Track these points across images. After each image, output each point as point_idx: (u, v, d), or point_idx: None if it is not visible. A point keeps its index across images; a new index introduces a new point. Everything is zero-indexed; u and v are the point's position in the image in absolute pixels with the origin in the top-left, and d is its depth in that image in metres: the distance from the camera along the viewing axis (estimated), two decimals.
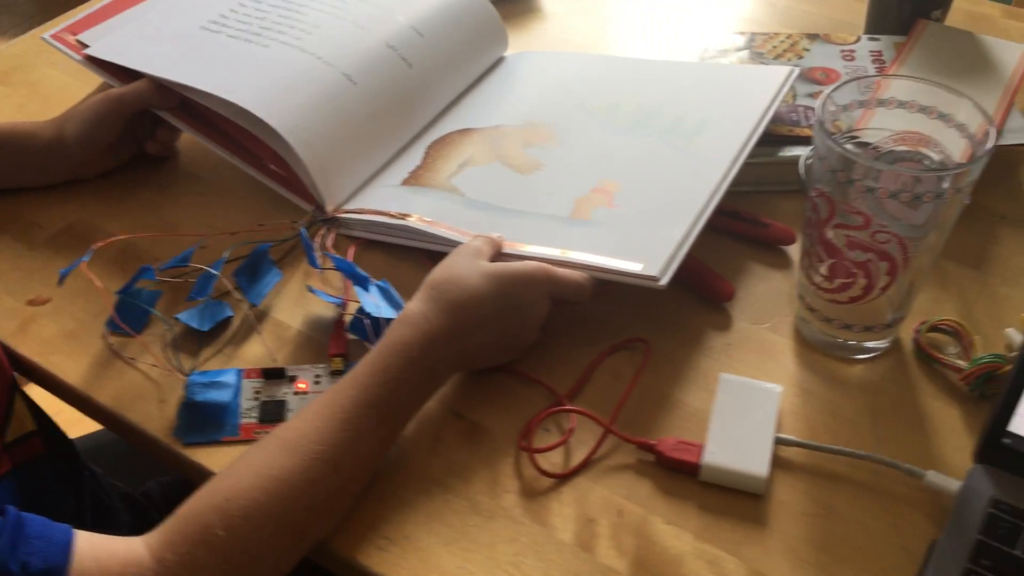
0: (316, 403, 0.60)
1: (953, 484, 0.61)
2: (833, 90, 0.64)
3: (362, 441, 0.60)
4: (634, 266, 0.69)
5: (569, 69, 0.95)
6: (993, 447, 0.62)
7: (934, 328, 0.72)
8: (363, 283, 0.70)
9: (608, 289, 0.71)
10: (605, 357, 0.71)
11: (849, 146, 0.62)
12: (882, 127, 0.70)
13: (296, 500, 0.56)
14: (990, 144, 0.60)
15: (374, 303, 0.69)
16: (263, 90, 0.80)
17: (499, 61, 1.00)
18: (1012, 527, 0.58)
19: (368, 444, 0.60)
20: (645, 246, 0.70)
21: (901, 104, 0.65)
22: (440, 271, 0.66)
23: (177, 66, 0.83)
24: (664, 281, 0.68)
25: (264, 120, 0.77)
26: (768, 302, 0.76)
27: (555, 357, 0.71)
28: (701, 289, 0.76)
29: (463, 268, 0.66)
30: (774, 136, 0.84)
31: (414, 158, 0.86)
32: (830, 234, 0.64)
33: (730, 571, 0.58)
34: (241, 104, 0.78)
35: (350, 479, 0.60)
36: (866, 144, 0.77)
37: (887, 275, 0.65)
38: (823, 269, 0.66)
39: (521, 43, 1.04)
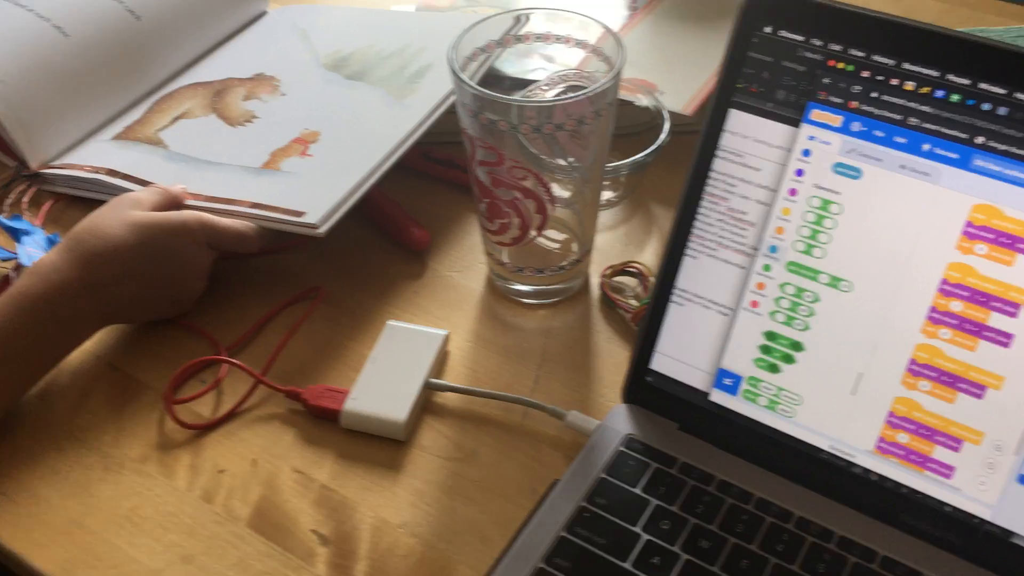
0: None
1: (591, 423, 0.60)
2: (467, 31, 0.62)
3: None
4: (294, 214, 0.67)
5: (320, 22, 0.93)
6: (637, 385, 0.60)
7: (624, 272, 0.71)
8: (16, 234, 0.68)
9: (300, 243, 0.69)
10: (282, 308, 0.69)
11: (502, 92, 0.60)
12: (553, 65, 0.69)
13: None
14: (619, 66, 0.58)
15: (29, 254, 0.67)
16: None
17: (260, 16, 0.97)
18: (639, 465, 0.57)
19: None
20: (316, 194, 0.68)
21: (539, 37, 0.63)
22: (84, 221, 0.64)
23: None
24: (323, 229, 0.66)
25: None
26: (466, 249, 0.74)
27: (232, 309, 0.69)
28: (397, 236, 0.74)
29: (108, 218, 0.64)
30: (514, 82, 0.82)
31: (137, 114, 0.83)
32: (479, 173, 0.63)
33: (348, 517, 0.57)
34: None
35: None
36: (532, 82, 0.75)
37: (538, 213, 0.63)
38: (484, 209, 0.65)
39: None
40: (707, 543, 0.53)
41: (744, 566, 0.52)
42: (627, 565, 0.52)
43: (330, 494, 0.58)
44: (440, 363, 0.65)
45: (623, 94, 0.79)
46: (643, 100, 0.78)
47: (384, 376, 0.62)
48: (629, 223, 0.76)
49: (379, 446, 0.60)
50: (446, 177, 0.79)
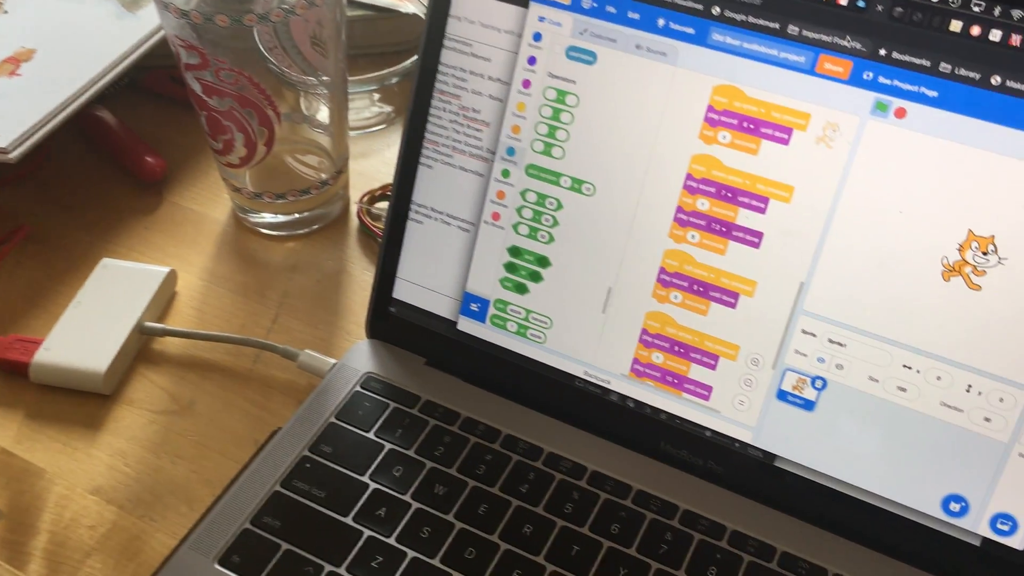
0: None
1: (327, 363, 0.52)
2: None
3: None
4: None
5: None
6: (379, 318, 0.53)
7: (385, 197, 0.63)
8: None
9: (17, 175, 0.59)
10: None
11: None
12: None
13: None
14: None
15: None
16: None
17: None
18: (376, 406, 0.50)
19: None
20: (11, 116, 0.58)
21: None
22: None
23: None
24: (14, 155, 0.56)
25: None
26: (212, 180, 0.65)
27: None
28: (131, 166, 0.65)
29: None
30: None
31: None
32: (189, 81, 0.54)
33: (30, 487, 0.48)
34: None
35: None
36: None
37: (262, 127, 0.55)
38: (204, 125, 0.56)
39: None
40: (443, 488, 0.46)
41: (483, 512, 0.45)
42: (348, 519, 0.45)
43: (11, 460, 0.49)
44: (162, 305, 0.56)
45: (389, 3, 0.71)
46: (409, 7, 0.70)
47: (88, 322, 0.54)
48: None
49: (78, 402, 0.52)
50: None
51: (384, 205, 0.63)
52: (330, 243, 0.61)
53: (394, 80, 0.67)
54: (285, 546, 0.43)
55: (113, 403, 0.52)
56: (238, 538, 0.44)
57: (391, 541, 0.44)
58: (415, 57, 0.66)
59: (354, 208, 0.63)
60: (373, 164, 0.67)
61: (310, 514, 0.45)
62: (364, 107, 0.70)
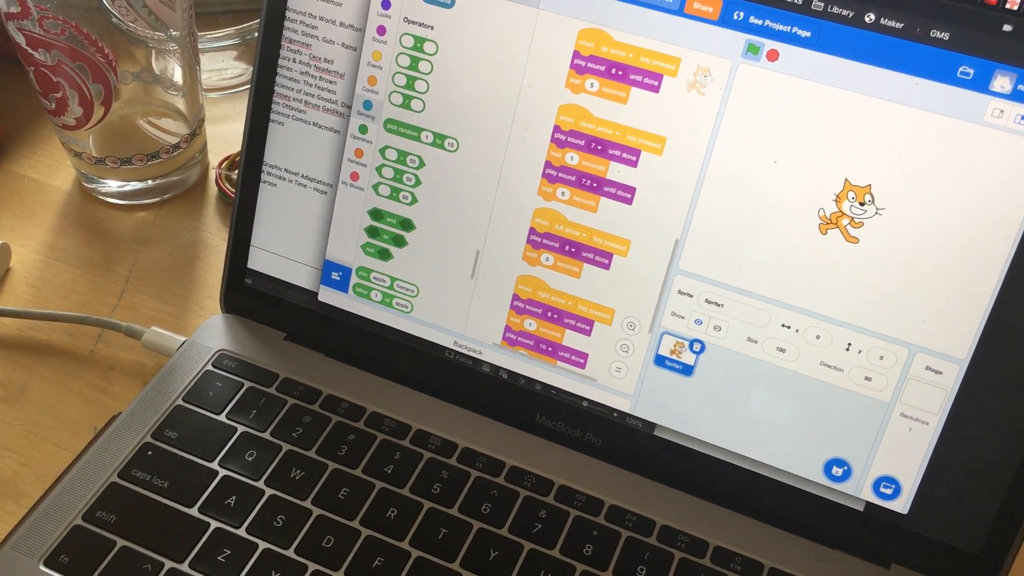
0: None
1: (175, 341, 0.48)
2: None
3: None
4: None
5: None
6: (234, 291, 0.49)
7: None
8: None
9: None
10: None
11: None
12: None
13: None
14: None
15: None
16: None
17: None
18: (229, 386, 0.45)
19: None
20: None
21: None
22: None
23: None
24: None
25: None
26: (55, 147, 0.60)
27: None
28: None
29: None
30: None
31: None
32: (11, 31, 0.48)
33: None
34: None
35: None
36: None
37: (97, 83, 0.50)
38: (35, 83, 0.51)
39: None
40: (300, 473, 0.42)
41: (343, 496, 0.42)
42: (193, 511, 0.41)
43: None
44: None
45: None
46: None
47: None
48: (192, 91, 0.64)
49: None
50: None
51: None
52: (186, 212, 0.57)
53: (255, 36, 0.62)
54: (121, 542, 0.39)
55: None
56: (67, 536, 0.39)
57: (240, 532, 0.40)
58: None
59: (212, 174, 0.58)
60: (235, 128, 0.62)
61: (150, 506, 0.41)
62: (224, 67, 0.65)
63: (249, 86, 0.46)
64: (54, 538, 0.39)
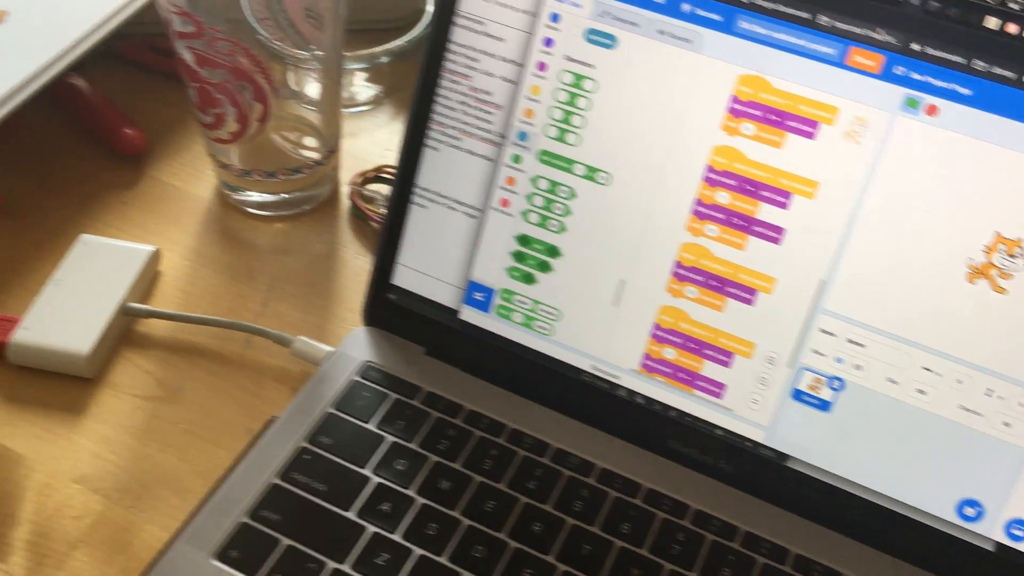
0: None
1: (322, 350, 0.50)
2: None
3: None
4: None
5: None
6: (378, 305, 0.51)
7: (377, 179, 0.61)
8: None
9: None
10: None
11: None
12: None
13: None
14: None
15: None
16: None
17: None
18: (375, 397, 0.48)
19: None
20: None
21: None
22: None
23: None
24: None
25: None
26: (195, 155, 0.63)
27: None
28: (109, 138, 0.62)
29: None
30: None
31: None
32: (181, 50, 0.51)
33: (8, 474, 0.45)
34: None
35: None
36: None
37: (257, 101, 0.52)
38: (194, 98, 0.54)
39: None
40: (448, 484, 0.45)
41: (490, 508, 0.44)
42: (351, 514, 0.43)
43: None
44: (146, 285, 0.54)
45: None
46: None
47: (69, 301, 0.51)
48: (391, 126, 0.66)
49: (59, 386, 0.49)
50: (176, 73, 0.67)
51: (377, 187, 0.61)
52: (319, 225, 0.59)
53: (384, 60, 0.65)
54: (286, 541, 0.42)
55: (96, 387, 0.49)
56: (236, 532, 0.42)
57: (396, 537, 0.42)
58: (408, 36, 0.64)
59: (345, 190, 0.61)
60: (361, 144, 0.65)
61: (310, 508, 0.43)
62: (349, 85, 0.68)
63: (369, 106, 0.48)
64: (223, 534, 0.42)
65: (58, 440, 0.47)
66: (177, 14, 0.49)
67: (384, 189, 0.61)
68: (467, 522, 0.43)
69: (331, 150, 0.59)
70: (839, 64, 0.41)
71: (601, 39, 0.44)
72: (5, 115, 0.54)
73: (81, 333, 0.49)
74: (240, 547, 0.41)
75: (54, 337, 0.49)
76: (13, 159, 0.60)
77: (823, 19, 0.40)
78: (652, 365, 0.46)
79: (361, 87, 0.68)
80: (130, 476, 0.46)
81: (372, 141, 0.65)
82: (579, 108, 0.45)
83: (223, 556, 0.41)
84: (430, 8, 0.66)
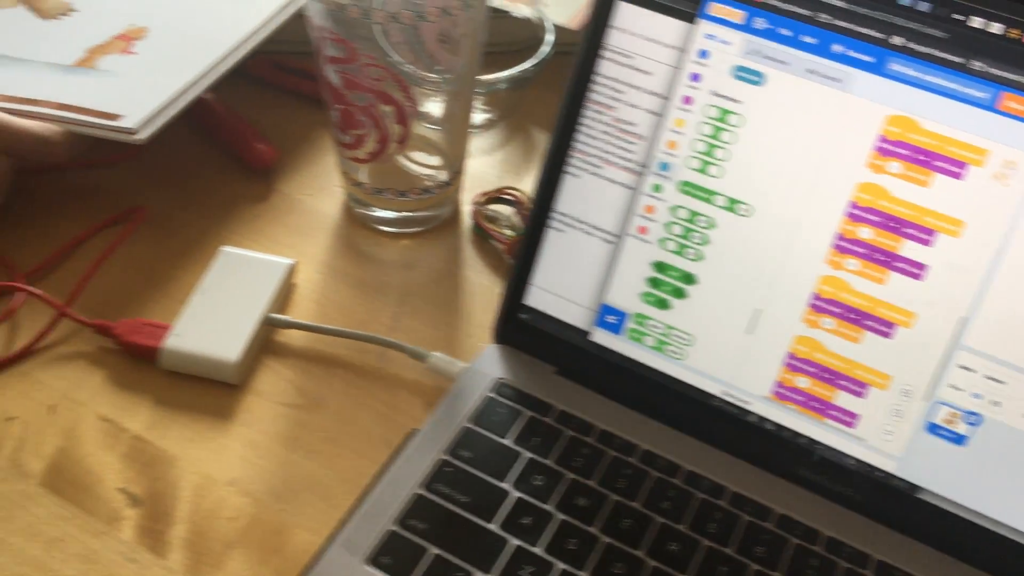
0: None
1: (457, 366, 0.52)
2: None
3: None
4: (108, 116, 0.56)
5: None
6: (509, 324, 0.53)
7: (499, 199, 0.63)
8: None
9: (122, 156, 0.59)
10: (96, 231, 0.59)
11: None
12: None
13: None
14: None
15: None
16: None
17: None
18: (510, 413, 0.49)
19: None
20: (136, 96, 0.58)
21: None
22: None
23: None
24: (143, 136, 0.56)
25: None
26: (320, 170, 0.65)
27: (35, 230, 0.59)
28: (241, 152, 0.64)
29: None
30: None
31: None
32: (329, 73, 0.53)
33: (164, 473, 0.48)
34: None
35: None
36: None
37: (398, 124, 0.54)
38: (336, 118, 0.56)
39: None
40: (585, 501, 0.46)
41: (627, 526, 0.45)
42: (493, 526, 0.45)
43: (144, 446, 0.49)
44: (283, 297, 0.56)
45: (501, 4, 0.71)
46: (523, 10, 0.70)
47: (215, 310, 0.53)
48: (507, 147, 0.68)
49: (207, 391, 0.51)
50: (301, 90, 0.69)
51: (498, 207, 0.63)
52: (443, 243, 0.61)
53: (503, 86, 0.67)
54: (433, 549, 0.43)
55: (242, 393, 0.51)
56: (386, 539, 0.44)
57: (539, 551, 0.44)
58: (527, 64, 0.66)
59: (466, 209, 0.63)
60: (478, 166, 0.66)
61: (454, 519, 0.45)
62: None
63: (480, 129, 0.49)
64: (374, 540, 0.44)
65: (208, 443, 0.49)
66: (332, 39, 0.51)
67: (505, 210, 0.63)
68: (605, 539, 0.45)
69: (456, 171, 0.60)
70: (990, 108, 0.42)
71: (749, 76, 0.45)
72: (159, 128, 0.56)
73: (229, 341, 0.51)
74: (391, 554, 0.43)
75: (204, 344, 0.51)
76: (151, 171, 0.63)
77: (976, 64, 0.42)
78: (784, 393, 0.47)
79: (479, 111, 0.70)
80: (278, 480, 0.48)
81: (486, 162, 0.67)
82: (723, 141, 0.46)
83: (376, 562, 0.43)
84: (550, 37, 0.67)
